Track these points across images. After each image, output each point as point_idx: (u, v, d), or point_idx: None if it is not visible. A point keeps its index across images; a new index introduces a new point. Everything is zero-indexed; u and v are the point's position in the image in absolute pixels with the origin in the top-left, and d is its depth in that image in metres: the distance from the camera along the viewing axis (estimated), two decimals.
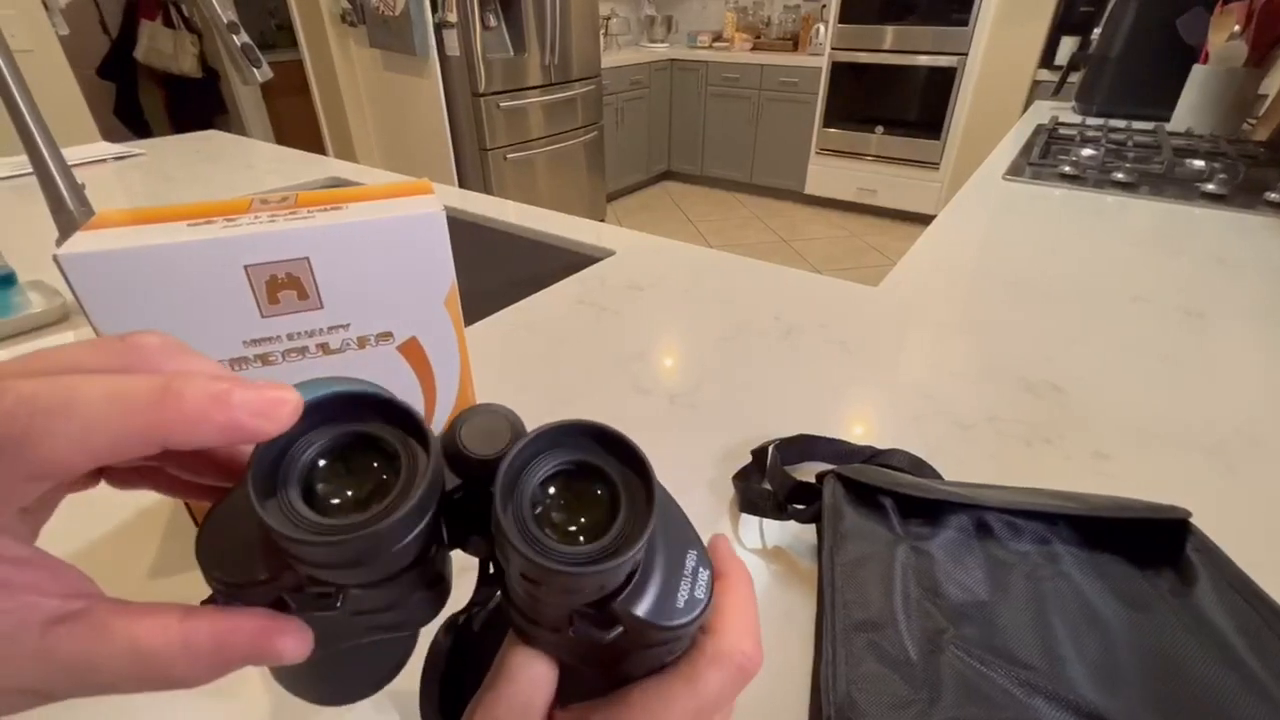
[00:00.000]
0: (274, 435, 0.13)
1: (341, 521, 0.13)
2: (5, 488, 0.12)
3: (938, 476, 0.44)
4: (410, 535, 0.14)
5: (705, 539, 0.18)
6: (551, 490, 0.15)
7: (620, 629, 0.15)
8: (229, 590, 0.14)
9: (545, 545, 0.13)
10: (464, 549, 0.17)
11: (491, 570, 0.19)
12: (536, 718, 0.16)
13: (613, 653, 0.16)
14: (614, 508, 0.14)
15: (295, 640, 0.14)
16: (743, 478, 0.44)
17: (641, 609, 0.15)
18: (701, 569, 0.16)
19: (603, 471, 0.15)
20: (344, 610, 0.15)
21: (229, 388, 0.13)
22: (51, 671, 0.13)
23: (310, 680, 0.21)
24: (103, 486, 0.17)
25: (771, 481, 0.42)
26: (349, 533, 0.13)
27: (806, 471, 0.45)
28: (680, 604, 0.15)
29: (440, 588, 0.18)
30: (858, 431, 0.51)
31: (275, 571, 0.14)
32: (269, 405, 0.13)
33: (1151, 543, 0.37)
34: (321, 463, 0.14)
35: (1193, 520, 0.37)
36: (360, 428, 0.14)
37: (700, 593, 0.16)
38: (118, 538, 0.40)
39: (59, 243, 0.63)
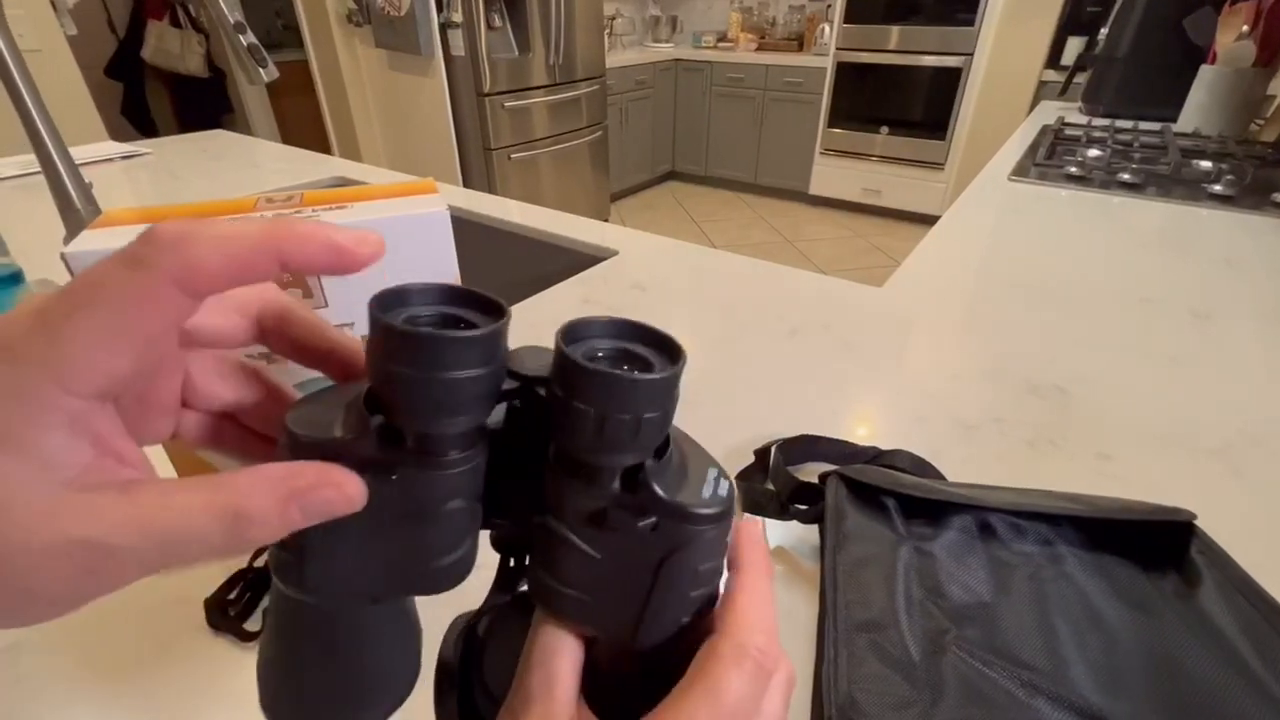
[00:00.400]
0: (365, 264, 0.16)
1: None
2: (160, 291, 0.14)
3: (941, 477, 0.44)
4: (475, 368, 0.15)
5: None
6: (600, 354, 0.17)
7: (653, 520, 0.16)
8: (306, 450, 0.16)
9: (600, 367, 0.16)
10: (492, 523, 0.19)
11: (512, 564, 0.20)
12: (563, 686, 0.17)
13: (643, 595, 0.17)
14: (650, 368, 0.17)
15: (354, 484, 0.15)
16: (745, 478, 0.44)
17: (669, 492, 0.16)
18: (722, 479, 0.18)
19: (643, 355, 0.17)
20: (396, 490, 0.16)
21: (325, 225, 0.16)
22: (122, 515, 0.13)
23: (313, 712, 0.20)
24: None
25: (774, 481, 0.42)
26: (435, 336, 0.15)
27: (809, 472, 0.45)
28: (705, 496, 0.17)
29: (473, 532, 0.18)
30: (861, 432, 0.51)
31: (350, 434, 0.16)
32: (361, 237, 0.16)
33: (1156, 545, 0.36)
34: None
35: (1197, 522, 0.37)
36: (457, 310, 0.17)
37: (723, 493, 0.17)
38: None
39: (66, 241, 0.63)
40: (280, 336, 0.19)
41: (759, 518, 0.42)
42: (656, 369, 0.16)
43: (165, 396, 0.17)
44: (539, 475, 0.18)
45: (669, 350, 0.17)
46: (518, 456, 0.18)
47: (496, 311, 0.16)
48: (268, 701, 0.20)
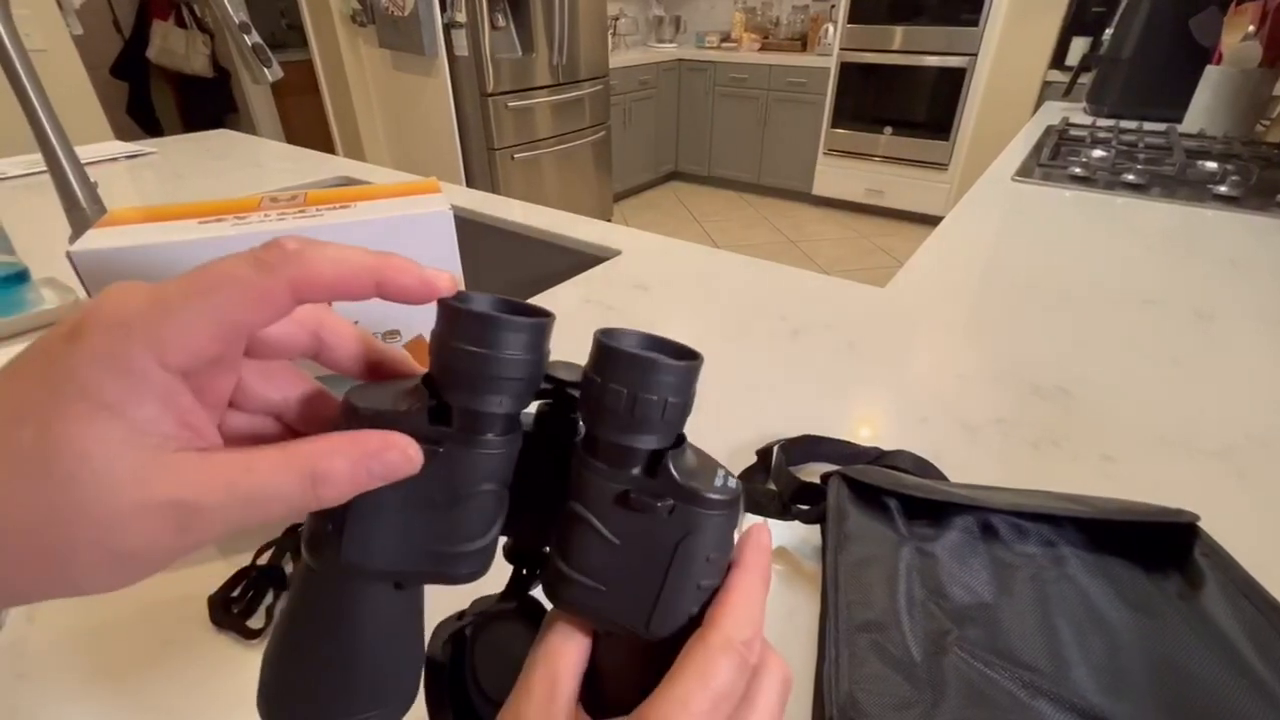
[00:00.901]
0: (441, 295, 0.18)
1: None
2: (276, 293, 0.16)
3: (943, 478, 0.44)
4: (523, 353, 0.18)
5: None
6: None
7: (670, 503, 0.18)
8: (363, 421, 0.18)
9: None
10: (510, 530, 0.20)
11: (525, 572, 0.22)
12: (565, 686, 0.18)
13: (658, 579, 0.18)
14: None
15: (414, 447, 0.17)
16: (748, 478, 0.44)
17: (685, 478, 0.18)
18: (730, 478, 0.20)
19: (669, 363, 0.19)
20: (441, 464, 0.18)
21: (415, 263, 0.18)
22: (209, 477, 0.15)
23: (312, 702, 0.20)
24: None
25: (776, 482, 0.42)
26: (494, 316, 0.17)
27: (811, 472, 0.45)
28: (717, 485, 0.19)
29: (498, 522, 0.20)
30: (864, 433, 0.51)
31: (408, 407, 0.18)
32: (439, 274, 0.18)
33: (1159, 546, 0.36)
34: None
35: (1200, 524, 0.36)
36: (509, 315, 0.19)
37: (732, 484, 0.19)
38: None
39: (72, 240, 0.64)
40: (334, 350, 0.20)
41: (767, 526, 0.42)
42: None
43: (217, 395, 0.18)
44: (562, 474, 0.19)
45: (687, 357, 0.19)
46: (540, 463, 0.20)
47: (543, 316, 0.19)
48: (264, 694, 0.20)
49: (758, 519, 0.41)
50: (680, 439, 0.19)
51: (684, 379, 0.18)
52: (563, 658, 0.18)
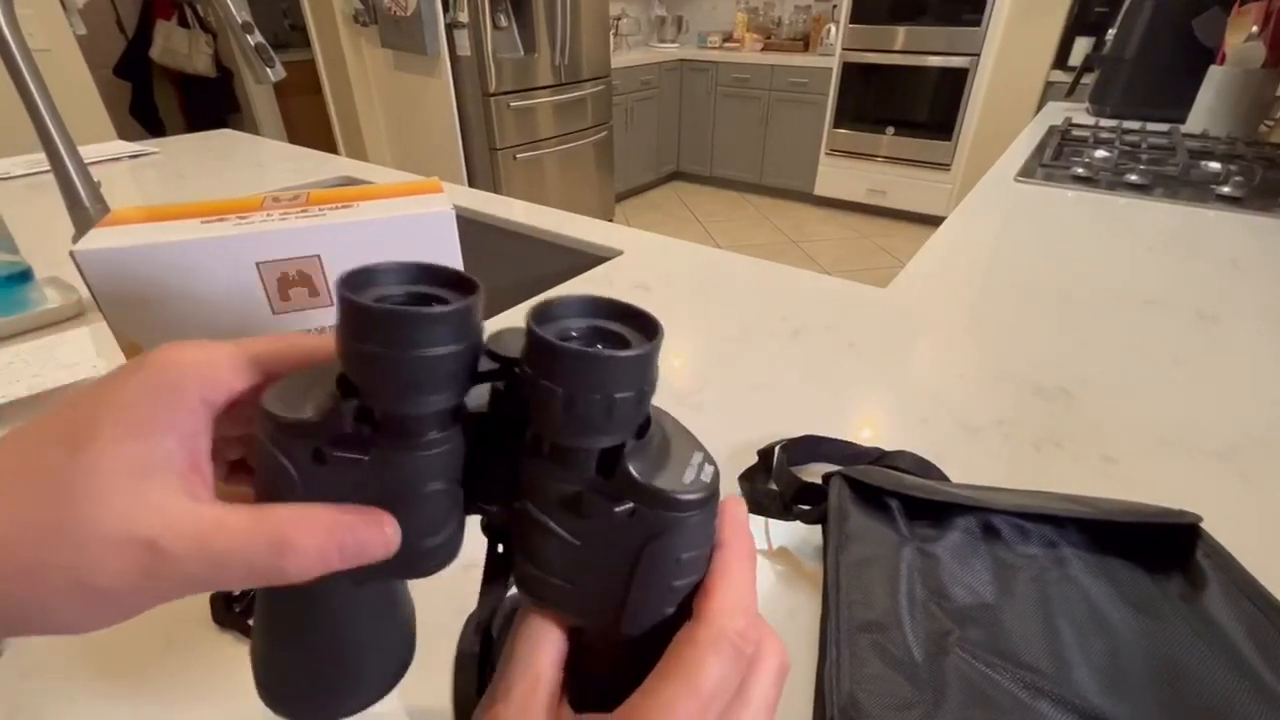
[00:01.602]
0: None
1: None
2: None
3: (944, 479, 0.44)
4: (445, 346, 0.15)
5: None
6: (574, 334, 0.16)
7: (630, 506, 0.16)
8: (280, 430, 0.16)
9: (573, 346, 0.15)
10: (481, 508, 0.19)
11: (500, 549, 0.20)
12: (544, 680, 0.17)
13: (624, 584, 0.17)
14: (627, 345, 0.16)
15: (391, 526, 0.17)
16: (749, 478, 0.44)
17: (647, 476, 0.16)
18: (707, 465, 0.17)
19: (619, 334, 0.17)
20: (370, 472, 0.16)
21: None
22: (187, 524, 0.15)
23: (305, 690, 0.21)
24: None
25: (778, 482, 0.42)
26: (400, 313, 0.14)
27: (812, 472, 0.45)
28: (686, 481, 0.16)
29: (456, 515, 0.18)
30: (865, 433, 0.51)
31: (320, 416, 0.16)
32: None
33: (1161, 547, 0.36)
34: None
35: (1203, 525, 0.36)
36: (429, 289, 0.16)
37: (706, 478, 0.17)
38: None
39: (75, 239, 0.64)
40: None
41: (742, 499, 0.42)
42: (633, 346, 0.16)
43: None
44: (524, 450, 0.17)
45: (646, 326, 0.16)
46: (504, 440, 0.17)
47: (469, 289, 0.16)
48: (261, 680, 0.20)
49: (733, 496, 0.41)
50: (644, 427, 0.17)
51: (635, 370, 0.15)
52: (541, 653, 0.17)
